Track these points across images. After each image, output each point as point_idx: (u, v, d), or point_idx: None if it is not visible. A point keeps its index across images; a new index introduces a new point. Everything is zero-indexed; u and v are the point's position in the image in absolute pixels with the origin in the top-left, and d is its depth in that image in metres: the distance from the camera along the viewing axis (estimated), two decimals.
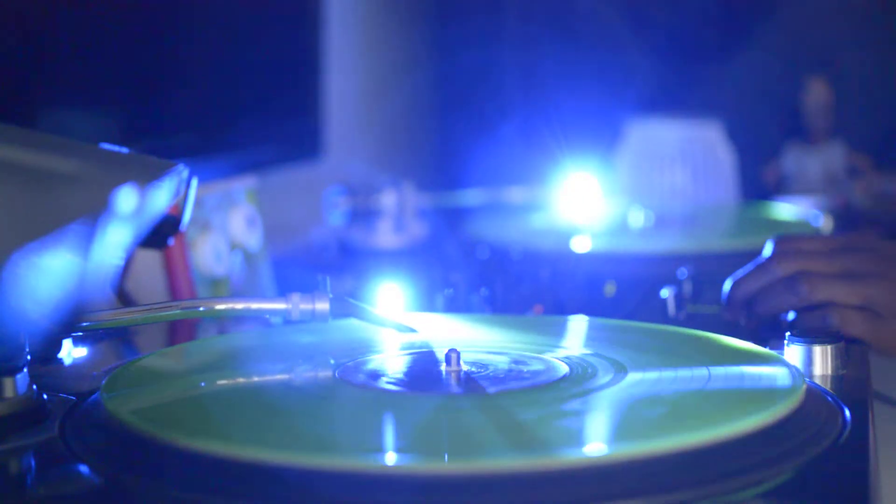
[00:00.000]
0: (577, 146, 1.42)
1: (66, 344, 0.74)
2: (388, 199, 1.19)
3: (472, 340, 0.72)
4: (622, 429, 0.57)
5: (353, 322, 0.73)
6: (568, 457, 0.50)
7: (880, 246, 0.80)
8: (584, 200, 1.34)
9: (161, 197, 0.58)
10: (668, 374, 0.64)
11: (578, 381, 0.63)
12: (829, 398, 0.62)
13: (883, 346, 0.75)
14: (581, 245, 1.16)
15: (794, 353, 0.67)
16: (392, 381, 0.65)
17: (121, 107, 0.98)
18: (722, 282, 0.82)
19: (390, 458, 0.51)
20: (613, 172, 1.48)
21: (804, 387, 0.59)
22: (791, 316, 0.79)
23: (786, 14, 1.71)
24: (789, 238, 0.82)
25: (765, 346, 0.69)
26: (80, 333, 0.75)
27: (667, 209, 1.33)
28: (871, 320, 0.75)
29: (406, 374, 0.66)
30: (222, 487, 0.50)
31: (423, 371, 0.67)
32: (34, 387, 0.61)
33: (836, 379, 0.66)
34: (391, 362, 0.69)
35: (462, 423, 0.57)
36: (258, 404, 0.62)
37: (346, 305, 0.71)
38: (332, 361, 0.67)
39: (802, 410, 0.57)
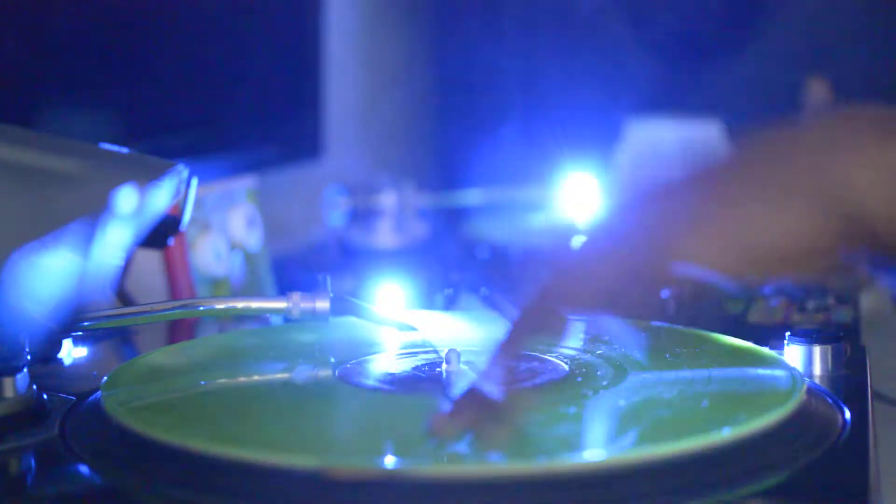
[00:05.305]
0: (577, 146, 1.41)
1: (66, 344, 0.74)
2: (388, 199, 1.19)
3: (473, 340, 0.72)
4: (622, 431, 0.57)
5: (353, 321, 0.73)
6: (567, 460, 0.50)
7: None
8: (584, 200, 1.34)
9: (161, 197, 0.58)
10: (668, 375, 0.63)
11: (578, 381, 0.62)
12: (829, 398, 0.62)
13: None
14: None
15: (793, 353, 0.67)
16: (392, 381, 0.65)
17: (121, 107, 0.98)
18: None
19: (389, 461, 0.51)
20: (613, 172, 1.48)
21: (804, 387, 0.59)
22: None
23: (786, 14, 1.71)
24: None
25: (765, 347, 0.69)
26: (80, 333, 0.75)
27: None
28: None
29: (406, 374, 0.66)
30: (222, 488, 0.50)
31: (423, 371, 0.67)
32: (34, 387, 0.61)
33: (836, 379, 0.66)
34: (391, 362, 0.69)
35: None
36: (259, 404, 0.62)
37: (346, 304, 0.71)
38: (333, 360, 0.67)
39: (802, 411, 0.57)
